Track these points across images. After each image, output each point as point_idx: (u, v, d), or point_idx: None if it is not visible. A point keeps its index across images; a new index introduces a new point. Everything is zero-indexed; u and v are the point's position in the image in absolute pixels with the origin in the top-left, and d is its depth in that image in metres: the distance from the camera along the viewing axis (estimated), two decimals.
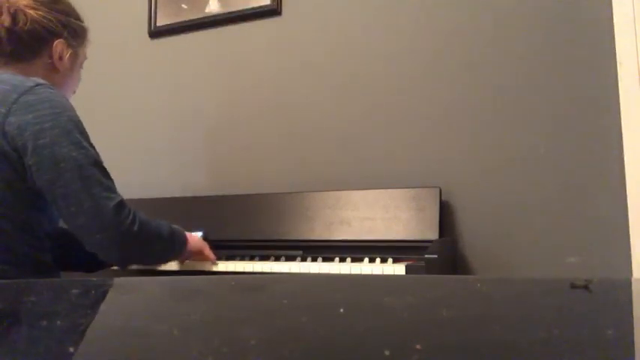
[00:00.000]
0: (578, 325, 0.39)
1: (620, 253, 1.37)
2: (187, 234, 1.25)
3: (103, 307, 0.52)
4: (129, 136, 2.08)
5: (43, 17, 1.14)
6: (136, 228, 1.06)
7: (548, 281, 0.63)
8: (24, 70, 1.13)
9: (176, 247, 1.21)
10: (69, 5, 1.21)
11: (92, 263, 1.21)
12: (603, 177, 1.42)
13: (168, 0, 2.05)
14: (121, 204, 1.05)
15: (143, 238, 1.09)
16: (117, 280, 0.74)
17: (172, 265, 1.33)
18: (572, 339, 0.35)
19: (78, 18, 1.23)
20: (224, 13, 1.94)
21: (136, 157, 2.05)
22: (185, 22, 2.01)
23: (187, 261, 1.34)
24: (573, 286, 0.52)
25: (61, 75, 1.19)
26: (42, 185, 1.03)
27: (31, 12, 1.12)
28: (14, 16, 1.11)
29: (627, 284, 0.67)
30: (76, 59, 1.23)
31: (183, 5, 2.02)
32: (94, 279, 0.94)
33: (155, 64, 2.07)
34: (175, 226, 1.22)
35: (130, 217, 1.06)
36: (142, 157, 2.04)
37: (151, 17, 2.07)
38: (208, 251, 1.35)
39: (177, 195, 1.85)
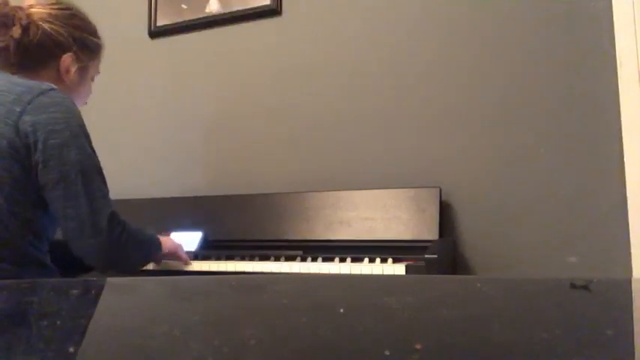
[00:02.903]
0: (578, 325, 0.39)
1: (620, 253, 1.37)
2: (161, 238, 1.29)
3: (103, 307, 0.52)
4: (129, 135, 2.08)
5: (55, 31, 1.16)
6: (124, 238, 1.10)
7: (548, 281, 0.63)
8: (31, 79, 1.14)
9: (151, 254, 1.27)
10: (85, 21, 1.23)
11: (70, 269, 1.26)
12: (603, 177, 1.42)
13: (169, 0, 2.05)
14: (115, 213, 1.09)
15: (128, 247, 1.13)
16: (117, 280, 0.74)
17: (148, 265, 1.36)
18: (572, 339, 0.35)
19: (93, 34, 1.24)
20: (224, 13, 1.94)
21: (135, 157, 2.05)
22: (185, 22, 2.01)
23: (163, 261, 1.38)
24: (573, 286, 0.52)
25: (68, 88, 1.20)
26: (45, 183, 1.05)
27: (45, 25, 1.15)
28: (25, 29, 1.13)
29: (627, 284, 0.67)
30: (85, 74, 1.25)
31: (183, 5, 2.02)
32: (94, 279, 0.94)
33: (155, 64, 2.07)
34: (151, 233, 1.26)
35: (120, 226, 1.10)
36: (141, 157, 2.04)
37: (151, 17, 2.07)
38: (181, 252, 1.38)
39: (176, 195, 1.85)
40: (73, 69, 1.20)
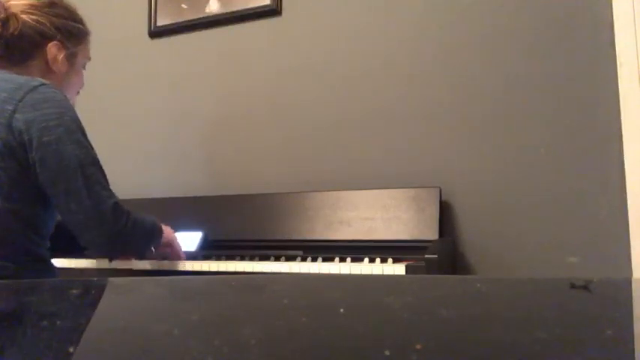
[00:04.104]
0: (578, 325, 0.39)
1: (620, 253, 1.37)
2: (163, 226, 1.29)
3: (103, 307, 0.52)
4: (129, 135, 2.08)
5: (36, 21, 1.15)
6: (129, 227, 1.11)
7: (548, 281, 0.63)
8: (20, 73, 1.14)
9: (155, 240, 1.27)
10: (66, 9, 1.22)
11: (71, 247, 1.26)
12: (603, 177, 1.42)
13: (168, 0, 2.05)
14: (118, 203, 1.10)
15: (134, 236, 1.15)
16: (117, 280, 0.74)
17: (145, 265, 1.37)
18: (572, 339, 0.35)
19: (76, 20, 1.24)
20: (224, 13, 1.94)
21: (136, 157, 2.05)
22: (185, 22, 2.01)
23: (157, 261, 1.39)
24: (573, 286, 0.52)
25: (58, 77, 1.20)
26: (44, 180, 1.05)
27: (24, 17, 1.14)
28: (4, 22, 1.13)
29: (627, 284, 0.67)
30: (74, 61, 1.24)
31: (183, 5, 2.02)
32: (94, 279, 0.94)
33: (155, 64, 2.07)
34: (153, 219, 1.26)
35: (125, 215, 1.10)
36: (141, 157, 2.04)
37: (151, 17, 2.07)
38: (178, 246, 1.39)
39: (177, 195, 1.85)
40: (61, 56, 1.19)
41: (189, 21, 2.00)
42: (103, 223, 1.06)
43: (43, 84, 1.09)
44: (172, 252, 1.38)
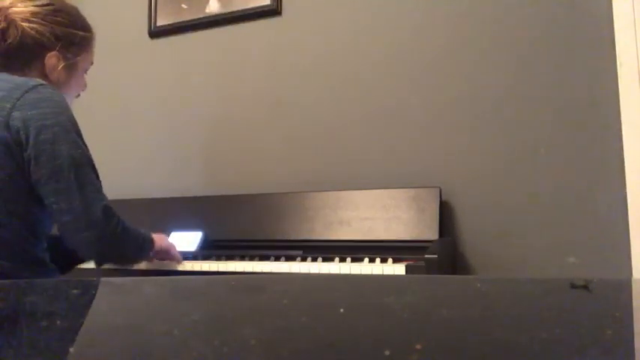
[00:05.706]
0: (578, 325, 0.39)
1: (620, 253, 1.37)
2: (154, 235, 1.28)
3: (103, 307, 0.52)
4: (129, 135, 2.08)
5: (36, 31, 1.13)
6: (119, 231, 1.10)
7: (548, 281, 0.63)
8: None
9: (145, 251, 1.26)
10: (70, 15, 1.19)
11: (64, 264, 1.25)
12: (603, 177, 1.42)
13: (169, 0, 2.05)
14: (109, 206, 1.09)
15: (123, 241, 1.13)
16: (117, 280, 0.74)
17: (140, 265, 1.36)
18: (572, 339, 0.35)
19: (78, 28, 1.20)
20: (224, 13, 1.94)
21: (136, 157, 2.05)
22: (185, 22, 2.01)
23: (155, 260, 1.38)
24: (573, 286, 0.52)
25: (55, 85, 1.17)
26: (37, 178, 1.04)
27: (25, 25, 1.12)
28: (4, 31, 1.11)
29: (627, 284, 0.67)
30: (74, 70, 1.21)
31: (183, 5, 2.02)
32: (94, 279, 0.94)
33: (155, 64, 2.07)
34: (145, 230, 1.26)
35: (115, 219, 1.10)
36: (141, 157, 2.04)
37: (151, 17, 2.07)
38: (175, 251, 1.39)
39: (177, 195, 1.84)
40: (59, 67, 1.17)
41: (189, 21, 2.00)
42: (92, 224, 1.05)
43: (42, 84, 1.09)
44: (170, 259, 1.38)
